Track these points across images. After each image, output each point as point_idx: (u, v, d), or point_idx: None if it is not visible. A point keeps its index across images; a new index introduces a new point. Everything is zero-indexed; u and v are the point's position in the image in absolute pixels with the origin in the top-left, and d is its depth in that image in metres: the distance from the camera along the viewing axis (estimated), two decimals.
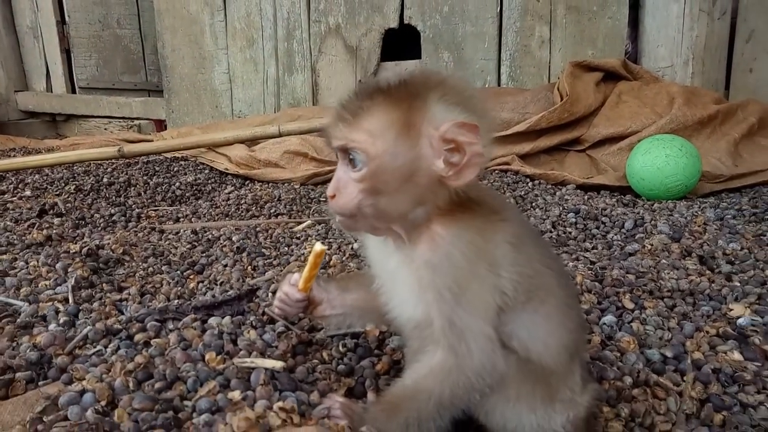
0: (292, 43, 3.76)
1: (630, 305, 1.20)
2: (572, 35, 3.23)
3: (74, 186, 2.51)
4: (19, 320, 1.13)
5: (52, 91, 4.63)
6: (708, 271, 1.36)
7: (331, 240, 1.81)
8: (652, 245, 1.53)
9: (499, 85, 3.40)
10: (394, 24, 3.52)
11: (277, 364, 0.92)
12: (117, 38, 4.59)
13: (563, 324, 0.78)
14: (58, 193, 2.41)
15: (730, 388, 0.93)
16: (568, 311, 0.80)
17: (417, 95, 0.71)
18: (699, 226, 1.72)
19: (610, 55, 3.12)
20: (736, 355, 0.99)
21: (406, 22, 3.50)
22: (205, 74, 4.01)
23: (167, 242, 1.80)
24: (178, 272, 1.49)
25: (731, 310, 1.13)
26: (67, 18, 4.47)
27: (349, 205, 0.72)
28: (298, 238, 1.84)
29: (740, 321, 1.09)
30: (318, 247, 0.86)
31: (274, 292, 1.26)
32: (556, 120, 2.64)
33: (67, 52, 4.55)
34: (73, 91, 4.61)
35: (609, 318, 1.14)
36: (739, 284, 1.26)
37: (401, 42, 3.60)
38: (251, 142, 3.10)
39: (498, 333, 0.75)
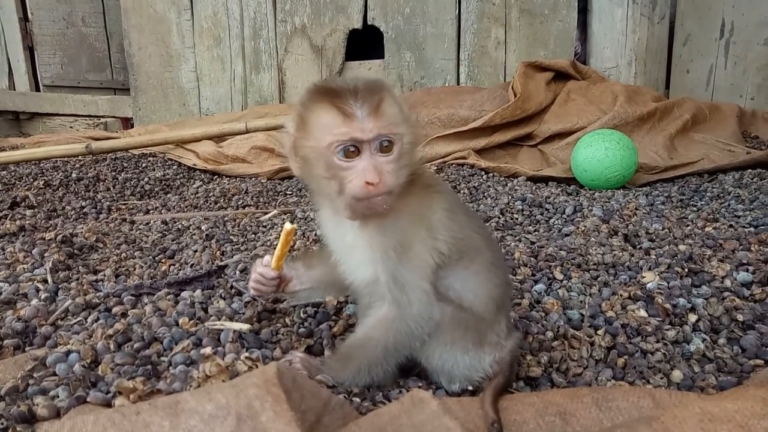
0: (258, 42, 3.85)
1: (559, 276, 1.36)
2: (526, 37, 3.43)
3: (43, 181, 2.56)
4: (1, 297, 1.21)
5: (14, 89, 4.59)
6: (630, 247, 1.53)
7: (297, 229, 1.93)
8: (585, 227, 1.71)
9: (458, 83, 3.57)
10: (358, 24, 3.65)
11: (244, 327, 1.04)
12: (82, 36, 4.58)
13: (490, 279, 0.94)
14: (27, 188, 2.45)
15: (634, 338, 1.09)
16: (494, 269, 0.96)
17: (391, 88, 0.88)
18: (630, 210, 1.90)
19: (560, 56, 3.33)
20: (642, 312, 1.15)
21: (369, 22, 3.64)
22: (172, 72, 4.06)
23: (138, 232, 1.89)
24: (150, 257, 1.59)
25: (644, 277, 1.30)
26: (30, 15, 4.44)
27: (395, 183, 0.84)
28: (264, 227, 1.95)
29: (649, 285, 1.25)
30: (288, 225, 0.97)
31: (242, 270, 1.38)
32: (510, 116, 2.82)
33: (30, 50, 4.52)
34: (37, 89, 4.58)
35: (539, 286, 1.29)
36: (654, 257, 1.43)
37: (365, 42, 3.73)
38: (219, 138, 3.18)
39: (437, 286, 0.90)
